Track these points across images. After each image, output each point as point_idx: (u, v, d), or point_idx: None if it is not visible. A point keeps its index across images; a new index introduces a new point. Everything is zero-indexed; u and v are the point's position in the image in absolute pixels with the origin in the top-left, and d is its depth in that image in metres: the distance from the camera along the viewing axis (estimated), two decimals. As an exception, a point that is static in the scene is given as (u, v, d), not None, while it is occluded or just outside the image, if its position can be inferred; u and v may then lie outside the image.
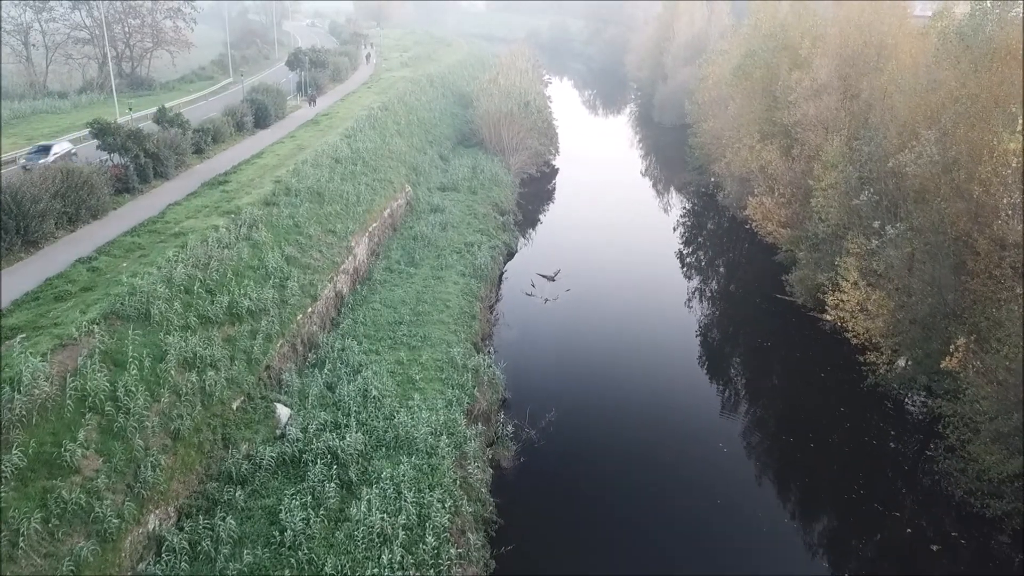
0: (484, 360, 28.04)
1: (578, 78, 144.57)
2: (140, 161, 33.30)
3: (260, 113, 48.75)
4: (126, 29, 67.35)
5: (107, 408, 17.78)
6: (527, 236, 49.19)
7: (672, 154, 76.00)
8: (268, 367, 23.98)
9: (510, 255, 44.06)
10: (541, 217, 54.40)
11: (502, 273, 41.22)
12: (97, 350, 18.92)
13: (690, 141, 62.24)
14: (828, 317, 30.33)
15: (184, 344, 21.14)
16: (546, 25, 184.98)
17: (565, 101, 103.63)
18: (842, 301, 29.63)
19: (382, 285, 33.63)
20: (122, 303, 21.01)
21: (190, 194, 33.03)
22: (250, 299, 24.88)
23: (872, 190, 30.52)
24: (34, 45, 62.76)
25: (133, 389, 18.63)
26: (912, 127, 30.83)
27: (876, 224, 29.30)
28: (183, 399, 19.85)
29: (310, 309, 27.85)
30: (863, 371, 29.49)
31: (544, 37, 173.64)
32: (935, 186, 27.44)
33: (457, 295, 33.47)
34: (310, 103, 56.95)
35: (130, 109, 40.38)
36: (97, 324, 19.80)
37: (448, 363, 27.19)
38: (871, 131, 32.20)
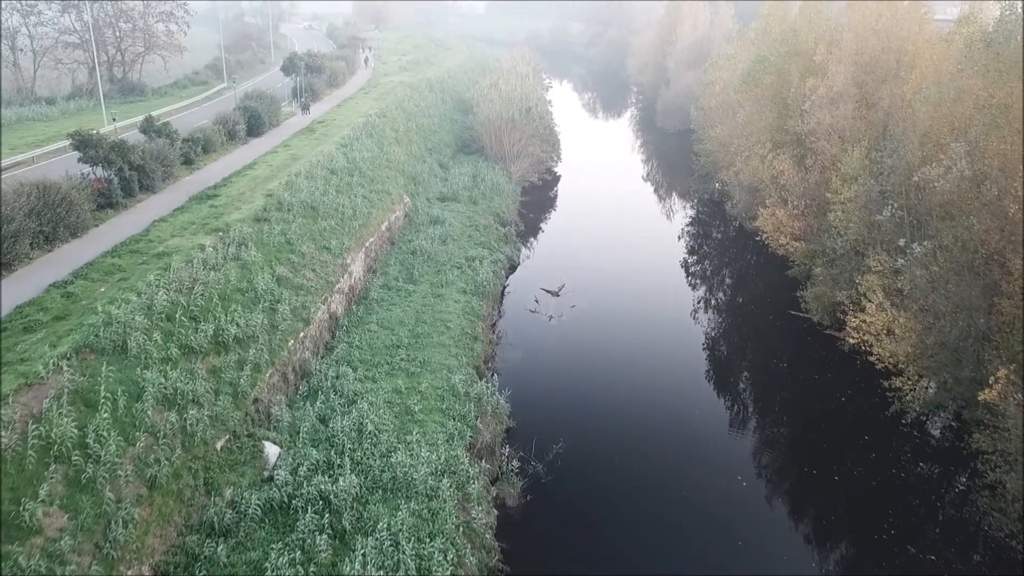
0: (487, 387, 26.39)
1: (579, 81, 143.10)
2: (125, 174, 31.66)
3: (253, 121, 47.12)
4: (117, 33, 65.71)
5: (75, 457, 16.13)
6: (530, 247, 47.63)
7: (676, 160, 74.50)
8: (256, 400, 22.33)
9: (512, 268, 42.47)
10: (544, 227, 52.81)
11: (504, 287, 39.62)
12: (66, 390, 17.29)
13: (696, 148, 60.63)
14: (851, 340, 28.70)
15: (164, 379, 19.49)
16: (546, 28, 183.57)
17: (566, 105, 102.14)
18: (865, 323, 28.02)
19: (379, 304, 31.99)
20: (96, 335, 19.37)
21: (177, 209, 31.38)
22: (237, 326, 23.24)
23: (895, 205, 28.96)
24: (21, 50, 61.11)
25: (105, 434, 16.98)
26: (937, 139, 29.33)
27: (901, 242, 27.72)
28: (161, 442, 18.19)
29: (302, 334, 26.21)
30: (887, 396, 27.91)
31: (544, 40, 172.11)
32: (965, 202, 25.91)
33: (458, 314, 31.85)
34: (303, 111, 55.02)
35: (114, 119, 38.68)
36: (68, 359, 18.17)
37: (449, 391, 25.57)
38: (893, 142, 30.62)
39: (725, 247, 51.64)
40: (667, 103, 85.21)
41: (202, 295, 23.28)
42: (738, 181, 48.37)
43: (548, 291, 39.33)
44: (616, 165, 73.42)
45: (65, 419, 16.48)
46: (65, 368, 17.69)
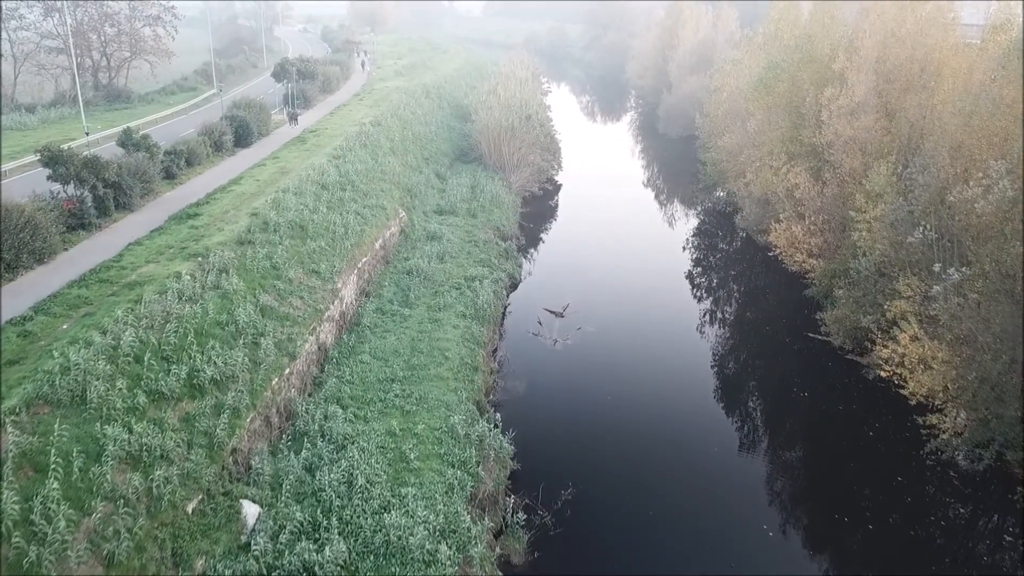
0: (489, 428, 24.20)
1: (577, 85, 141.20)
2: (98, 192, 29.48)
3: (241, 131, 44.95)
4: (102, 38, 63.47)
5: (16, 539, 13.95)
6: (531, 260, 45.51)
7: (679, 167, 72.53)
8: (235, 450, 20.15)
9: (514, 286, 40.33)
10: (545, 239, 50.71)
11: (505, 307, 37.49)
12: (11, 454, 15.11)
13: (702, 156, 58.62)
14: (882, 373, 26.58)
15: (128, 434, 17.31)
16: (544, 30, 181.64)
17: (565, 109, 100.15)
18: (897, 354, 25.93)
19: (372, 331, 29.83)
20: (52, 383, 17.20)
21: (155, 230, 29.20)
22: (215, 365, 21.08)
23: (927, 226, 26.89)
24: (3, 55, 58.85)
25: (54, 506, 14.81)
26: (970, 154, 27.33)
27: (936, 267, 25.65)
28: (122, 510, 16.00)
29: (288, 370, 24.03)
30: (920, 432, 25.85)
31: (542, 42, 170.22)
32: (1007, 224, 23.87)
33: (457, 341, 29.71)
34: (291, 121, 52.20)
35: (87, 133, 36.45)
36: (17, 415, 16.02)
37: (448, 433, 23.41)
38: (923, 158, 28.59)
39: (735, 261, 49.58)
40: (669, 108, 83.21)
41: (176, 332, 21.11)
42: (748, 192, 46.37)
43: (552, 311, 37.20)
44: (618, 172, 71.39)
45: (6, 492, 14.30)
46: (10, 428, 15.51)
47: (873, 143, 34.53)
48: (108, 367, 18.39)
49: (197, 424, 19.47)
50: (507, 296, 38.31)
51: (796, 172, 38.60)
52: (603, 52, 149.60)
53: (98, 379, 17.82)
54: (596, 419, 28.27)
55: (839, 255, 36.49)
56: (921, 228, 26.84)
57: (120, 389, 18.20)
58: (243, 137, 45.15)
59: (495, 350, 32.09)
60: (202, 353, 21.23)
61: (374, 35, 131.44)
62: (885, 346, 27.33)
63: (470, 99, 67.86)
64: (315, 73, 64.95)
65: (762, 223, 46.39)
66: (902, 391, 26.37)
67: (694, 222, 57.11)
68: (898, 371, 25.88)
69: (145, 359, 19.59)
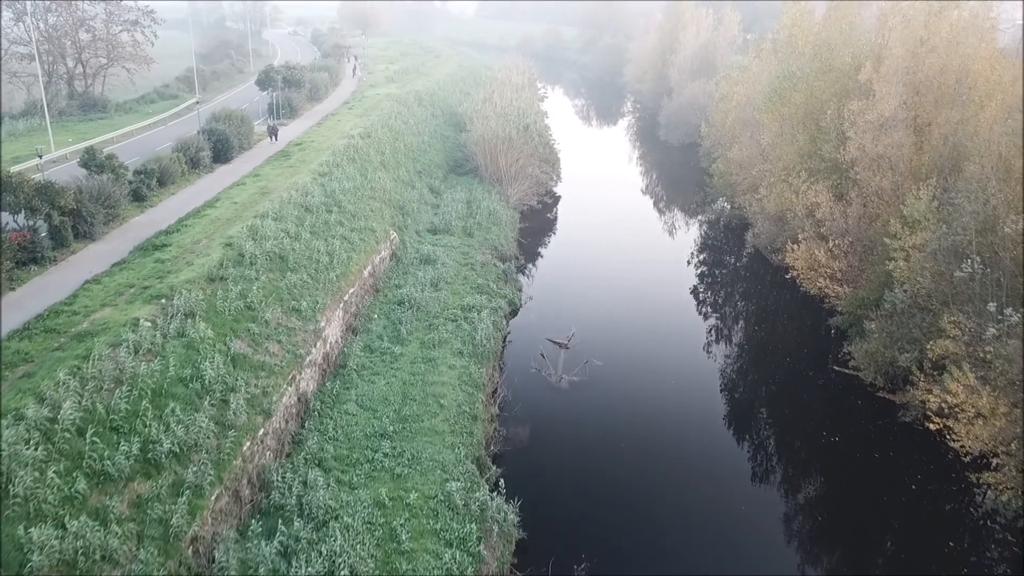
0: (491, 495, 21.31)
1: (573, 88, 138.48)
2: (54, 222, 26.48)
3: (220, 146, 41.94)
4: (77, 44, 60.28)
5: None
6: (531, 281, 42.59)
7: (683, 176, 69.95)
8: (195, 539, 17.21)
9: (514, 312, 37.46)
10: (546, 258, 47.88)
11: (505, 336, 34.61)
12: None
13: (710, 168, 55.89)
14: (931, 426, 23.79)
15: (60, 536, 14.39)
16: (539, 32, 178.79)
17: (562, 114, 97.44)
18: (946, 404, 23.16)
19: (360, 375, 26.92)
20: (-33, 476, 14.28)
21: (116, 264, 26.22)
22: (174, 435, 18.16)
23: (976, 259, 24.18)
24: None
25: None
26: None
27: (991, 307, 22.94)
28: (48, 638, 13.11)
29: (262, 431, 21.10)
30: (971, 486, 23.18)
31: (537, 45, 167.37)
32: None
33: (454, 385, 26.83)
34: (272, 137, 47.99)
35: (40, 156, 33.39)
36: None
37: (444, 503, 20.53)
38: (969, 182, 25.87)
39: (746, 280, 46.86)
40: (671, 115, 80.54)
41: (129, 396, 18.17)
42: (761, 208, 43.66)
43: (556, 342, 34.31)
44: (619, 183, 68.64)
45: None
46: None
47: (904, 161, 31.88)
48: (40, 451, 15.42)
49: (150, 511, 16.54)
50: (507, 324, 35.44)
51: (816, 190, 35.90)
52: (599, 55, 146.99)
53: (25, 467, 14.88)
54: (609, 472, 25.42)
55: (865, 280, 33.83)
56: (970, 261, 24.15)
57: (54, 476, 15.25)
58: (223, 152, 42.16)
59: (495, 391, 29.18)
60: (159, 420, 18.31)
61: (365, 38, 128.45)
62: (929, 390, 24.53)
63: (465, 107, 65.01)
64: (302, 80, 61.94)
65: (776, 241, 43.70)
66: (950, 441, 23.64)
67: (701, 237, 54.37)
68: (949, 423, 23.10)
69: (88, 433, 16.64)
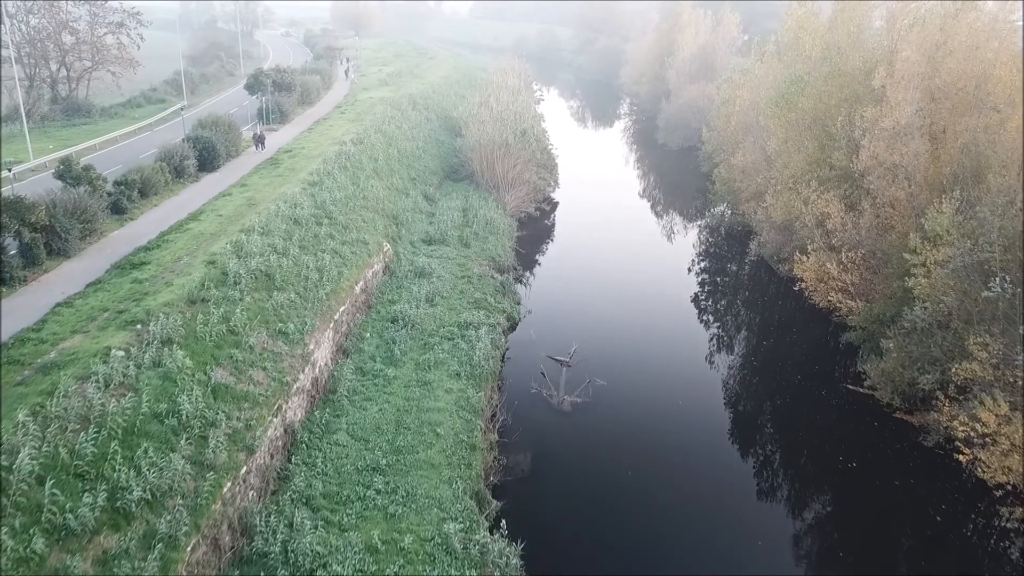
0: (491, 536, 19.84)
1: (568, 90, 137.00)
2: (24, 239, 24.88)
3: (206, 153, 40.32)
4: (60, 47, 58.53)
5: None
6: (529, 291, 40.95)
7: (683, 181, 68.63)
8: (168, 597, 15.68)
9: (512, 327, 35.96)
10: (544, 267, 46.38)
11: (504, 353, 33.10)
12: None
13: (712, 174, 54.49)
14: (960, 458, 22.39)
15: (12, 606, 12.86)
16: (534, 33, 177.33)
17: (558, 116, 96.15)
18: (976, 433, 21.76)
19: (351, 400, 25.38)
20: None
21: (91, 284, 24.67)
22: (147, 480, 16.61)
23: (1006, 278, 22.82)
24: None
25: None
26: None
27: (1023, 330, 21.59)
28: None
29: (244, 468, 19.55)
30: (1004, 520, 21.79)
31: (532, 46, 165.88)
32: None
33: (451, 411, 25.32)
34: (258, 146, 45.89)
35: (8, 169, 31.77)
36: None
37: (441, 546, 19.03)
38: (997, 195, 24.50)
39: (753, 292, 45.48)
40: (669, 118, 79.15)
41: (95, 438, 16.62)
42: (767, 217, 42.27)
43: (557, 359, 32.69)
44: (618, 188, 67.22)
45: None
46: None
47: (920, 171, 30.53)
48: (-10, 508, 13.88)
49: (118, 568, 14.99)
50: (505, 340, 33.92)
51: (827, 199, 34.52)
52: (595, 56, 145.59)
53: (-27, 528, 13.33)
54: (616, 506, 23.93)
55: (879, 294, 32.48)
56: (998, 280, 22.78)
57: (6, 537, 13.69)
58: (209, 160, 40.54)
59: (494, 415, 27.64)
60: (130, 463, 16.75)
61: (358, 39, 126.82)
62: (954, 416, 23.14)
63: (460, 111, 63.44)
64: (292, 84, 60.29)
65: (783, 251, 42.38)
66: (979, 472, 22.25)
67: (703, 244, 52.98)
68: (979, 454, 21.72)
69: (49, 483, 15.09)
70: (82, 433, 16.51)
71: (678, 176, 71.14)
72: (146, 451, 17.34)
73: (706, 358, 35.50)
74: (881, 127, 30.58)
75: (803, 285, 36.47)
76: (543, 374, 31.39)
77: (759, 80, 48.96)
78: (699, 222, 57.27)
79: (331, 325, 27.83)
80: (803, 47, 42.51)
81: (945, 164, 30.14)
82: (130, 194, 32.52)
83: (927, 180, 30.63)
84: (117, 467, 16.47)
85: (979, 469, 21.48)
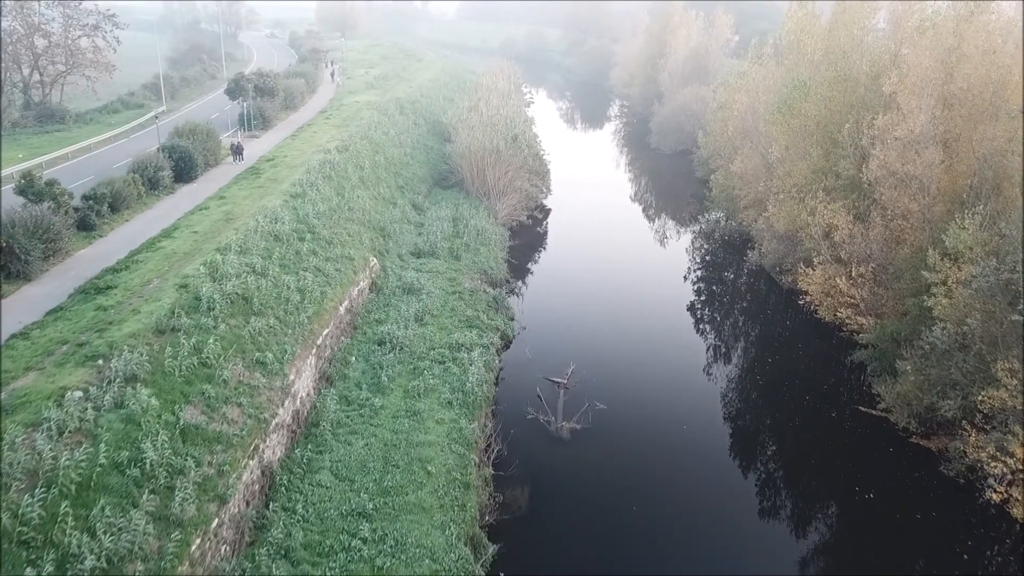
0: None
1: (558, 91, 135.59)
2: (-22, 263, 22.94)
3: (183, 163, 38.33)
4: (33, 50, 56.23)
5: None
6: (523, 305, 39.15)
7: (677, 186, 67.36)
8: None
9: (506, 344, 34.27)
10: (538, 278, 44.76)
11: (498, 375, 31.37)
12: None
13: (710, 180, 53.03)
14: (993, 496, 20.91)
15: None
16: (521, 34, 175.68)
17: (548, 119, 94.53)
18: (1008, 468, 20.29)
19: (335, 434, 23.58)
20: None
21: (51, 312, 22.74)
22: (102, 545, 14.75)
23: (1036, 300, 21.37)
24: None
25: None
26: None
27: (1058, 357, 20.14)
28: None
29: (216, 521, 17.71)
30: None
31: (520, 47, 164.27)
32: None
33: (442, 446, 23.58)
34: (236, 157, 43.16)
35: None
36: None
37: (435, 605, 17.31)
38: (1017, 209, 23.08)
39: (754, 304, 43.98)
40: (662, 121, 77.75)
41: (44, 498, 14.75)
42: (768, 226, 40.85)
43: (554, 381, 30.94)
44: (611, 194, 65.64)
45: None
46: None
47: (934, 182, 29.12)
48: (-88, 594, 12.02)
49: (65, 653, 13.15)
50: (499, 360, 32.18)
51: (833, 209, 33.09)
52: (584, 57, 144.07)
53: None
54: (620, 545, 22.27)
55: (891, 310, 31.06)
56: (1026, 302, 21.33)
57: (-69, 627, 11.85)
58: (186, 170, 38.56)
59: (488, 446, 25.89)
60: (83, 526, 14.89)
61: (344, 40, 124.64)
62: (981, 447, 21.67)
63: (449, 115, 61.66)
64: (275, 89, 58.28)
65: (785, 262, 41.01)
66: (1011, 510, 20.79)
67: (701, 253, 51.51)
68: (1012, 491, 20.25)
69: (-15, 557, 13.24)
70: (27, 494, 14.63)
71: (672, 181, 69.76)
72: (103, 509, 15.47)
73: (708, 375, 33.99)
74: (894, 136, 29.14)
75: (808, 298, 35.09)
76: (539, 397, 29.68)
77: (757, 84, 47.55)
78: (695, 229, 55.81)
79: (313, 351, 26.01)
80: (804, 50, 41.13)
81: (961, 175, 28.77)
82: (99, 209, 30.53)
83: (941, 191, 29.24)
84: (68, 531, 14.61)
85: (1013, 508, 19.99)
